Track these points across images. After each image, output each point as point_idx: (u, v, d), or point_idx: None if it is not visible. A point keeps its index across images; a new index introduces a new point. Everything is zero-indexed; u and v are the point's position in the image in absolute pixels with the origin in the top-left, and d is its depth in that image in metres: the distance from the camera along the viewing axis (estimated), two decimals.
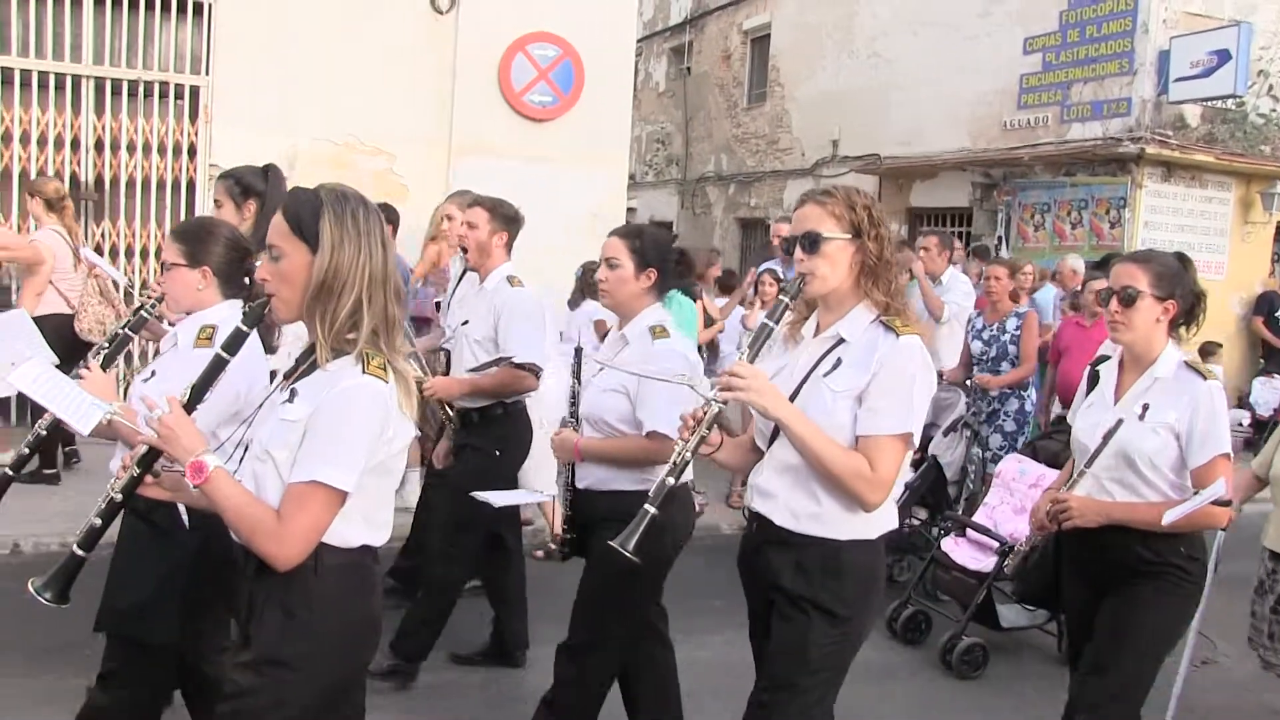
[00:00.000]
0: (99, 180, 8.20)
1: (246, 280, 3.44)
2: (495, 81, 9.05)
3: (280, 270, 2.42)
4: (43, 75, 8.03)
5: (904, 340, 2.73)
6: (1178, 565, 3.32)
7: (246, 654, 2.48)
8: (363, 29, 8.57)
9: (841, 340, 2.80)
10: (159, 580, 3.20)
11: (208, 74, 8.39)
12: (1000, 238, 13.49)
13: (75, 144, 8.13)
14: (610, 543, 2.75)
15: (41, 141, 8.03)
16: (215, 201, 4.37)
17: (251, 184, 4.35)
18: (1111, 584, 3.39)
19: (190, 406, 2.51)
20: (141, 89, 8.31)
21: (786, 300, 2.81)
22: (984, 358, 6.99)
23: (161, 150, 8.32)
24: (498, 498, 4.17)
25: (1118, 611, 3.35)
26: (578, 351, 3.97)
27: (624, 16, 9.67)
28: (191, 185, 8.39)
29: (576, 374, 3.89)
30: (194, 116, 8.41)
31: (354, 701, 2.65)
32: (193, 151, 8.39)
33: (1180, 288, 3.34)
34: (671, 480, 2.79)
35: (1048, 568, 3.73)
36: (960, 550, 5.64)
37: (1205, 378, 3.29)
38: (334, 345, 2.44)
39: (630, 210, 16.81)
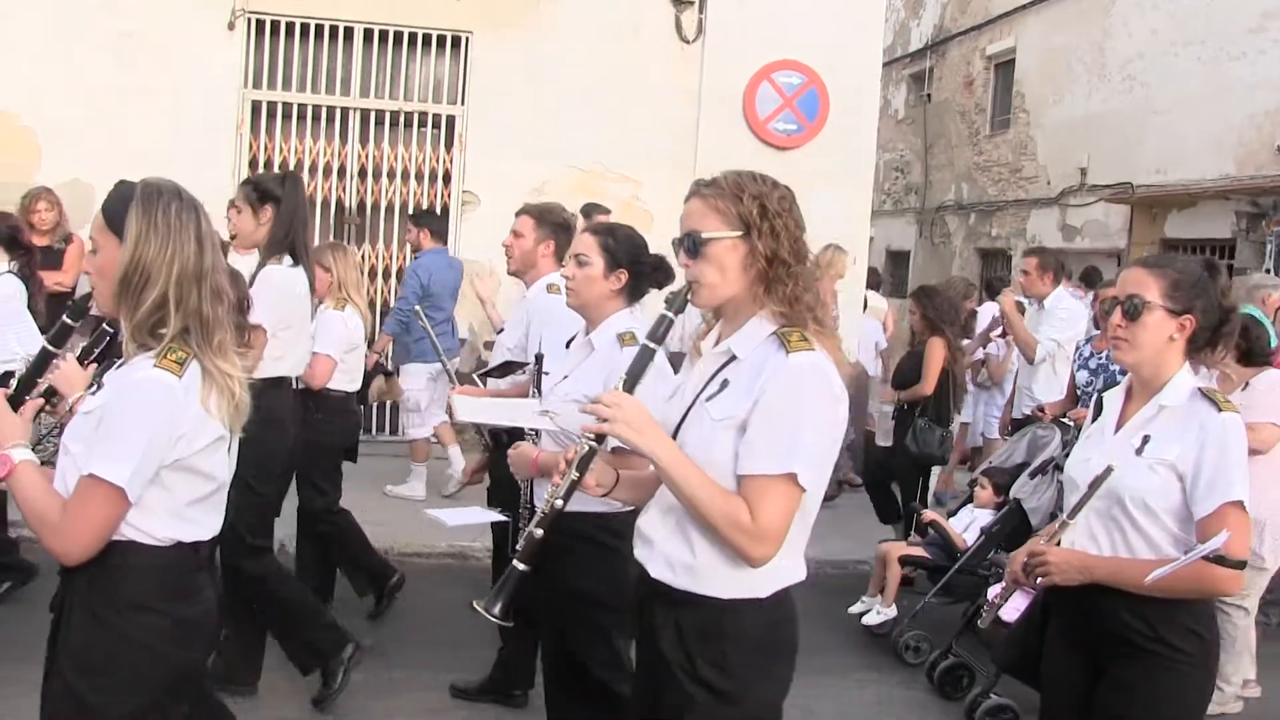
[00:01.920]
0: (361, 205, 8.83)
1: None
2: (740, 109, 9.21)
3: (96, 263, 2.47)
4: (315, 108, 8.72)
5: (794, 359, 2.26)
6: (1173, 644, 2.69)
7: (59, 660, 2.45)
8: (610, 59, 8.91)
9: (733, 358, 2.37)
10: None
11: (463, 104, 8.90)
12: (1268, 270, 12.67)
13: (342, 171, 8.79)
14: (474, 604, 2.48)
15: (312, 169, 8.70)
16: (235, 208, 4.58)
17: (269, 190, 4.54)
18: (1103, 659, 2.82)
19: (15, 400, 2.58)
20: (402, 119, 8.90)
21: (669, 315, 2.40)
22: (1090, 389, 6.18)
23: (419, 177, 8.89)
24: (451, 516, 4.04)
25: (1106, 701, 2.79)
26: (538, 359, 3.83)
27: (869, 43, 9.66)
28: (446, 210, 8.89)
29: (536, 384, 3.76)
30: (449, 144, 8.93)
31: (180, 710, 2.53)
32: (447, 178, 8.92)
33: (1202, 300, 2.78)
34: (540, 532, 2.43)
35: (1032, 633, 3.17)
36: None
37: (1221, 408, 2.72)
38: (138, 340, 2.42)
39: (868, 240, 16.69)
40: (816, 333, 2.33)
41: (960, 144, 19.55)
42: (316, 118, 8.73)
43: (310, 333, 4.99)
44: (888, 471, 7.44)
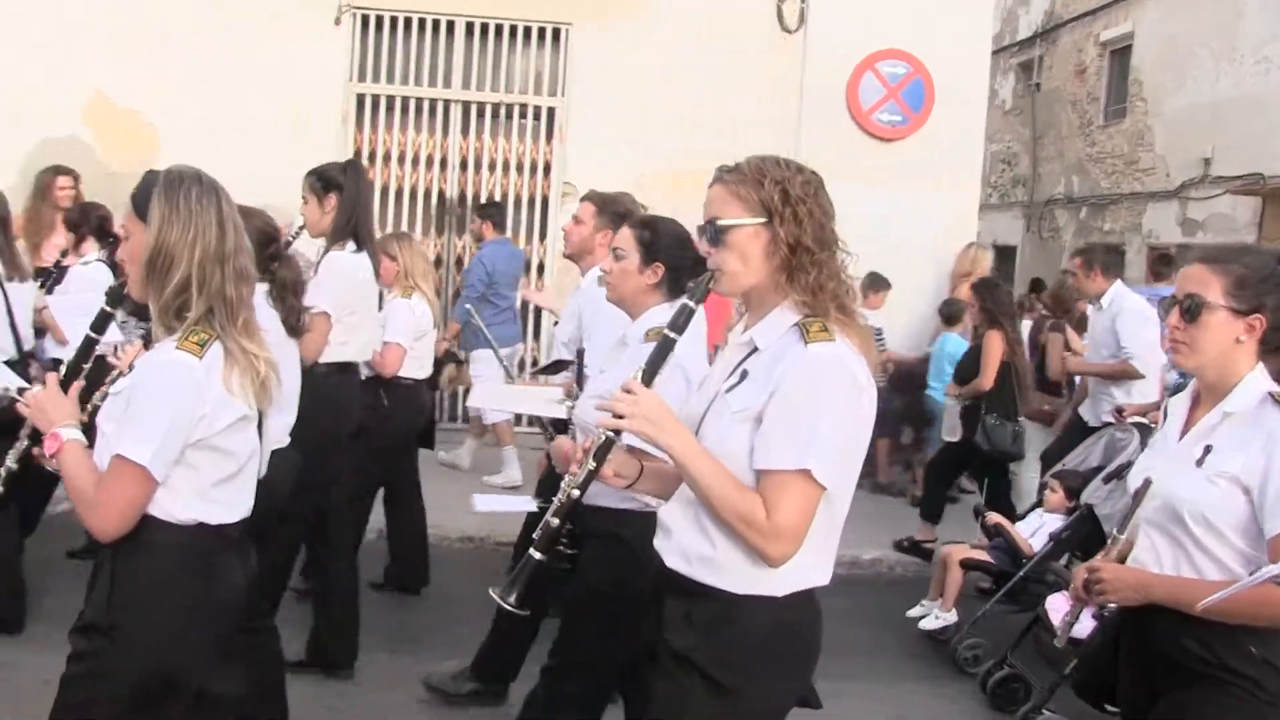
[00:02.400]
0: (462, 196, 8.97)
1: (275, 265, 3.71)
2: (843, 100, 9.12)
3: (127, 249, 2.56)
4: (418, 101, 8.89)
5: (812, 350, 2.19)
6: (1240, 672, 2.46)
7: (81, 619, 2.55)
8: (710, 50, 8.90)
9: (756, 349, 2.32)
10: None
11: (563, 96, 8.98)
12: None
13: (444, 163, 8.96)
14: (491, 591, 2.48)
15: (414, 161, 8.89)
16: (302, 198, 4.69)
17: (332, 178, 4.65)
18: (1158, 683, 2.62)
19: (64, 384, 2.65)
20: (503, 111, 9.01)
21: (690, 304, 2.36)
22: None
23: (520, 168, 9.01)
24: (485, 502, 3.97)
25: None
26: (579, 353, 3.81)
27: (978, 30, 9.49)
28: (545, 202, 9.00)
29: (578, 379, 3.72)
30: (549, 136, 9.02)
31: (188, 695, 2.57)
32: (548, 169, 9.01)
33: (1274, 297, 2.55)
34: (555, 522, 2.41)
35: (1105, 654, 2.93)
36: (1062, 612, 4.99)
37: None
38: (165, 323, 2.51)
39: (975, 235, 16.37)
40: (841, 323, 2.25)
41: (1071, 134, 19.07)
42: (419, 110, 8.90)
43: (377, 319, 5.08)
44: (950, 467, 7.34)
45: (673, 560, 2.36)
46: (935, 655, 5.64)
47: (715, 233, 2.29)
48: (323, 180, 4.66)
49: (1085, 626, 3.93)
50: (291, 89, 8.58)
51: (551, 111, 9.03)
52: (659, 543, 2.43)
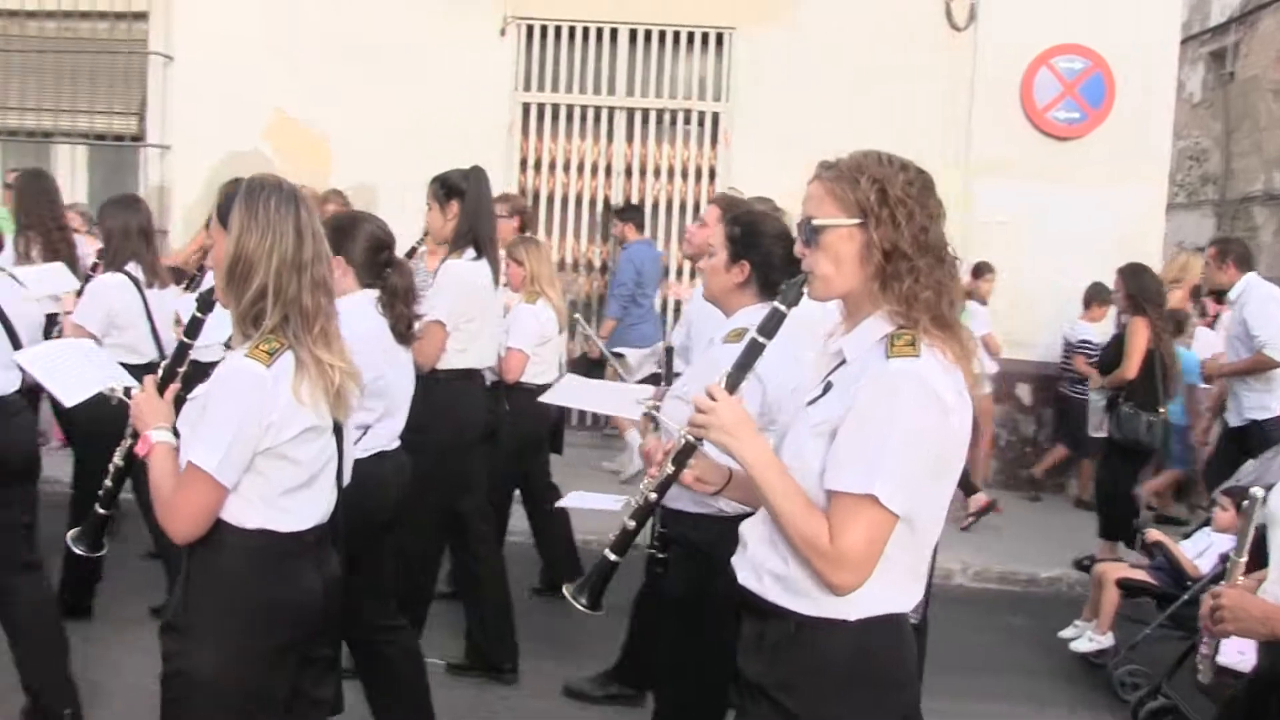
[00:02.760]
0: (627, 203, 9.01)
1: (388, 272, 3.68)
2: (1016, 98, 8.81)
3: (214, 258, 2.58)
4: (583, 109, 8.98)
5: (892, 365, 2.03)
6: None
7: (164, 618, 2.63)
8: (876, 50, 8.74)
9: (844, 360, 2.18)
10: None
11: (726, 101, 8.94)
12: None
13: (608, 170, 9.03)
14: (565, 588, 2.45)
15: (580, 168, 8.99)
16: (426, 204, 4.69)
17: (454, 185, 4.64)
18: None
19: (162, 386, 2.71)
20: (666, 117, 9.03)
21: (782, 308, 2.21)
22: None
23: (684, 174, 9.01)
24: (573, 500, 3.86)
25: None
26: (667, 351, 3.70)
27: (1165, 21, 9.02)
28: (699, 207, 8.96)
29: (666, 377, 3.60)
30: (713, 142, 8.99)
31: (270, 696, 2.58)
32: (713, 174, 8.98)
33: None
34: (632, 524, 2.34)
35: (1256, 692, 2.70)
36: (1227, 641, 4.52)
37: None
38: (242, 330, 2.51)
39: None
40: (936, 336, 2.08)
41: (1271, 126, 17.96)
42: (584, 117, 9.00)
43: (500, 326, 5.07)
44: (1110, 471, 6.96)
45: (745, 576, 2.26)
46: (1089, 680, 5.42)
47: (809, 232, 2.16)
48: (445, 187, 4.69)
49: (1234, 655, 3.53)
50: (458, 100, 8.79)
51: (715, 116, 9.00)
52: (736, 558, 2.32)
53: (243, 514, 2.52)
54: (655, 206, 9.02)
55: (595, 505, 4.04)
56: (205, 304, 2.84)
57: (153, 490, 2.56)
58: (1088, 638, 5.54)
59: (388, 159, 8.78)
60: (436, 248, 5.12)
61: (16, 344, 3.90)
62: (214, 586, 2.55)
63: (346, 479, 2.79)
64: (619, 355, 7.54)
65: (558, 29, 9.01)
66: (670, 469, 2.29)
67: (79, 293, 5.23)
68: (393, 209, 8.26)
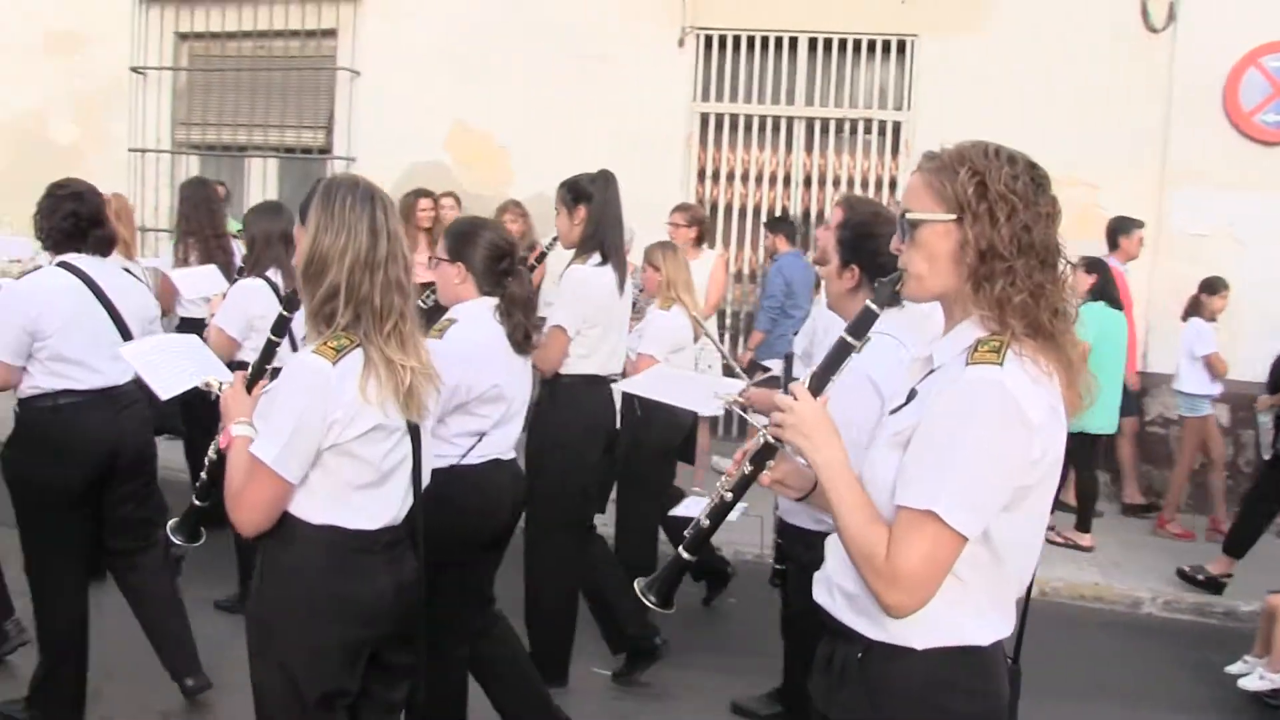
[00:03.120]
0: (806, 213, 8.92)
1: (507, 280, 3.67)
2: (1218, 101, 8.39)
3: (296, 256, 2.67)
4: (761, 119, 8.93)
5: (969, 373, 1.88)
6: None
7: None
8: (1066, 55, 8.45)
9: (934, 368, 2.04)
10: None
11: (909, 109, 8.77)
12: None
13: (787, 180, 8.95)
14: (635, 584, 2.34)
15: (758, 179, 8.94)
16: (555, 209, 4.71)
17: (583, 189, 4.65)
18: None
19: (251, 383, 2.78)
20: (846, 126, 8.91)
21: (874, 308, 2.07)
22: None
23: (864, 185, 8.85)
24: (688, 506, 3.69)
25: None
26: (787, 358, 3.66)
27: None
28: None
29: (784, 384, 3.42)
30: (894, 152, 8.82)
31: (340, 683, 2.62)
32: (893, 185, 8.80)
33: None
34: (707, 523, 2.25)
35: None
36: None
37: None
38: (315, 327, 2.56)
39: None
40: (1032, 346, 1.92)
41: None
42: (763, 128, 8.95)
43: (626, 331, 5.03)
44: (1262, 494, 6.61)
45: (819, 592, 2.16)
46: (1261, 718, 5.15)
47: (905, 227, 2.02)
48: (573, 192, 4.71)
49: None
50: (637, 110, 8.84)
51: (897, 126, 8.84)
52: (817, 573, 2.19)
53: (311, 509, 2.56)
54: (782, 215, 8.87)
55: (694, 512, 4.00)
56: (290, 303, 2.88)
57: (225, 481, 2.61)
58: (1258, 675, 5.21)
59: (567, 170, 8.81)
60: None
61: (127, 336, 4.04)
62: (283, 580, 2.61)
63: (425, 480, 2.79)
64: (763, 367, 7.45)
65: (736, 39, 8.98)
66: (748, 468, 2.19)
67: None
68: None
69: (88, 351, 3.94)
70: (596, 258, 4.60)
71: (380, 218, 2.59)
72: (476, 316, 3.61)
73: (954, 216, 1.95)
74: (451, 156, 9.22)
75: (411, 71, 9.40)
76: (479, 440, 3.62)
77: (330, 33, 9.71)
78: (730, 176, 9.00)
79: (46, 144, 10.68)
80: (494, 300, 3.66)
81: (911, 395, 2.05)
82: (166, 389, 3.38)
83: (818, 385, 2.09)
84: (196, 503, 3.13)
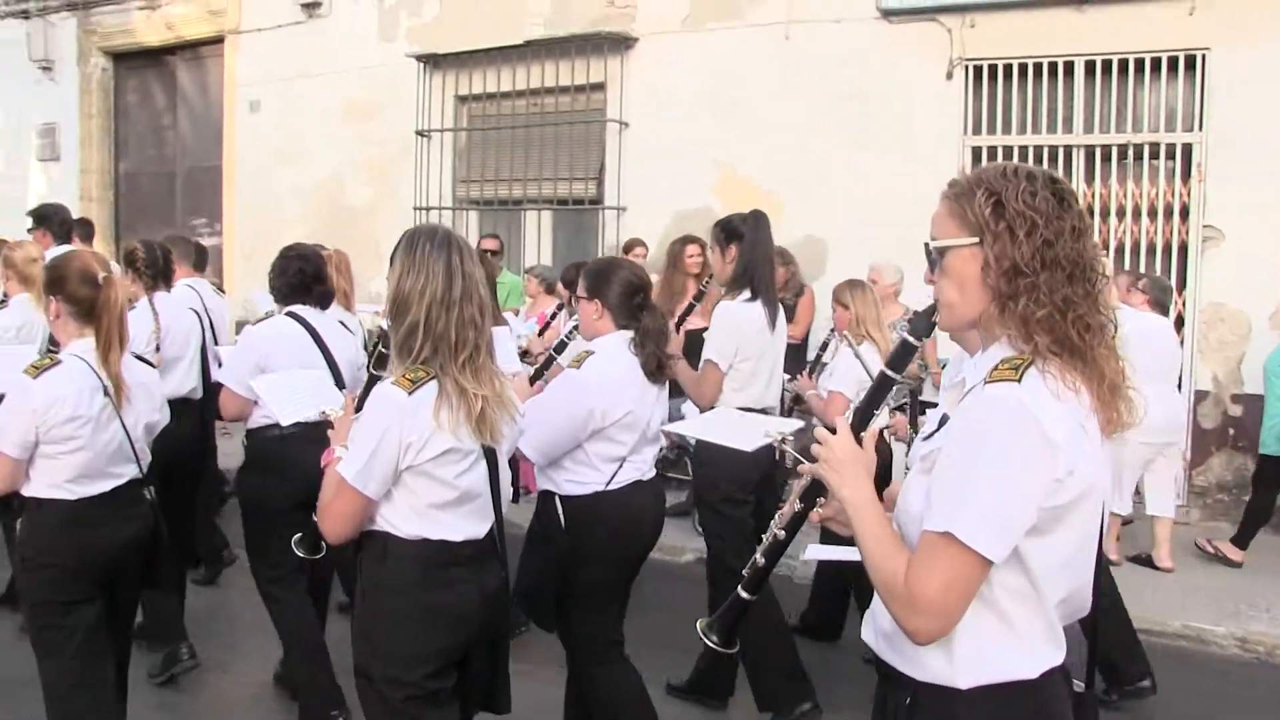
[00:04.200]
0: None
1: (642, 314, 3.91)
2: None
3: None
4: (1037, 149, 8.60)
5: (987, 391, 1.85)
6: None
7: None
8: None
9: (967, 391, 1.97)
10: (537, 574, 3.84)
11: (1200, 130, 8.22)
12: None
13: None
14: (698, 624, 2.40)
15: None
16: (709, 247, 4.87)
17: (734, 229, 4.80)
18: None
19: (358, 410, 3.02)
20: (1130, 152, 8.44)
21: (912, 340, 2.09)
22: None
23: (1152, 213, 8.36)
24: (816, 550, 3.41)
25: None
26: (911, 394, 3.47)
27: None
28: (1184, 248, 8.27)
29: (911, 420, 3.49)
30: (1185, 176, 8.30)
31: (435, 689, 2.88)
32: (1185, 213, 8.28)
33: None
34: (762, 561, 2.28)
35: None
36: None
37: None
38: (400, 359, 2.87)
39: None
40: (1057, 362, 1.89)
41: None
42: (1039, 158, 8.58)
43: (780, 364, 5.08)
44: None
45: (866, 631, 2.15)
46: None
47: (931, 256, 2.03)
48: (726, 230, 4.87)
49: None
50: (905, 147, 8.70)
51: (1188, 148, 8.29)
52: (866, 613, 2.17)
53: (400, 523, 2.87)
54: (1120, 249, 8.42)
55: (842, 556, 3.89)
56: (385, 339, 3.09)
57: (320, 495, 2.96)
58: None
59: (835, 211, 8.87)
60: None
61: (339, 378, 4.65)
62: (379, 589, 2.91)
63: (507, 500, 3.09)
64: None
65: (1007, 67, 8.69)
66: (798, 506, 2.21)
67: None
68: (843, 261, 8.34)
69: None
70: (746, 293, 4.77)
71: (455, 261, 2.86)
72: (613, 348, 3.89)
73: (975, 239, 1.95)
74: (720, 202, 9.34)
75: (678, 120, 9.63)
76: (620, 465, 3.89)
77: (599, 86, 10.07)
78: None
79: (343, 206, 11.60)
80: (629, 333, 3.92)
81: (943, 421, 2.04)
82: (289, 416, 3.95)
83: (860, 421, 2.13)
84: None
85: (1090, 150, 8.52)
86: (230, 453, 5.42)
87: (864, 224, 8.60)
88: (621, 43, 9.89)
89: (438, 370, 2.83)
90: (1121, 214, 8.41)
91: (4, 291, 6.30)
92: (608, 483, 3.84)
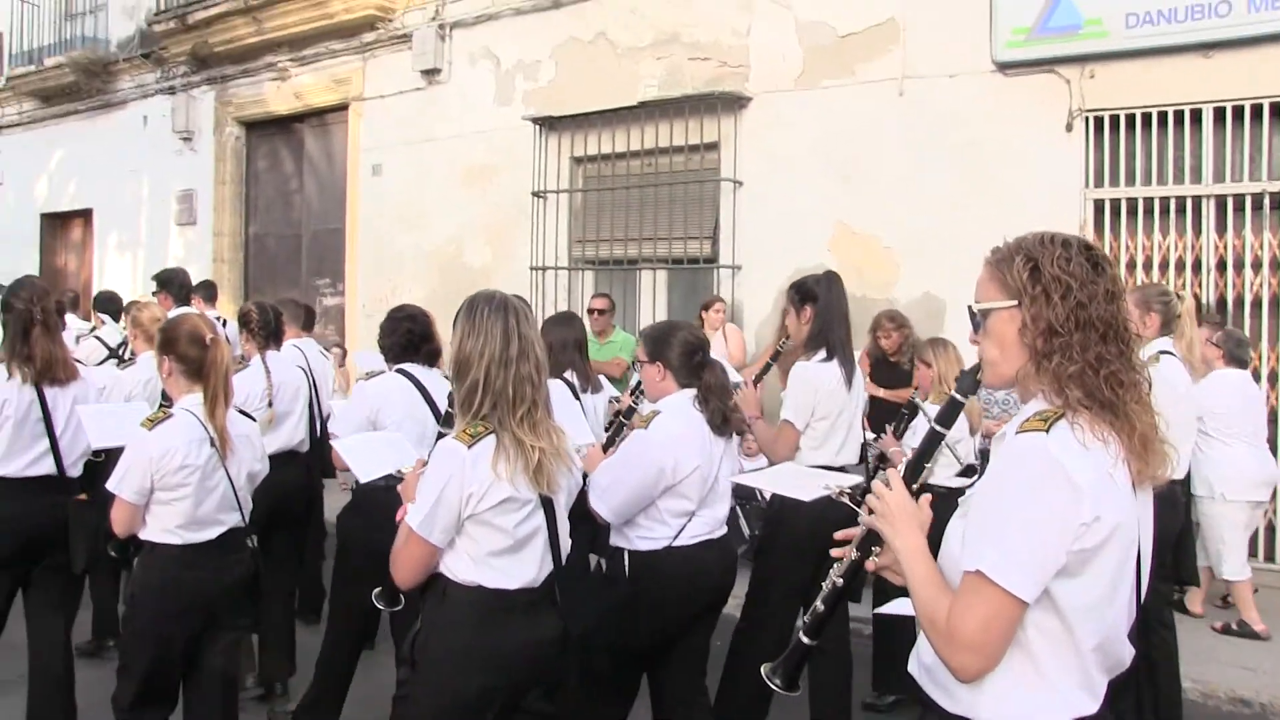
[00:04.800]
0: (1220, 300, 8.21)
1: (703, 372, 4.11)
2: None
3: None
4: (1163, 200, 8.36)
5: (1018, 440, 2.04)
6: None
7: (401, 652, 3.22)
8: None
9: None
10: (599, 616, 3.86)
11: None
12: None
13: (1196, 265, 8.28)
14: (762, 669, 2.52)
15: (1163, 265, 8.34)
16: (784, 309, 5.03)
17: (809, 290, 4.92)
18: None
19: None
20: (1266, 201, 8.14)
21: (959, 398, 2.33)
22: None
23: None
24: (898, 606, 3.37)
25: None
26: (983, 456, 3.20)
27: None
28: None
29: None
30: None
31: None
32: None
33: None
34: (822, 608, 2.41)
35: None
36: None
37: None
38: (463, 414, 3.08)
39: None
40: (1087, 415, 2.04)
41: None
42: (1165, 210, 8.36)
43: (858, 422, 5.13)
44: None
45: (912, 665, 2.30)
46: None
47: (975, 318, 2.23)
48: (800, 292, 4.98)
49: None
50: (1024, 203, 8.54)
51: None
52: (913, 649, 2.31)
53: (461, 569, 3.05)
54: (1257, 303, 8.11)
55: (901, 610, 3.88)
56: (451, 398, 3.32)
57: (394, 545, 3.13)
58: None
59: (953, 267, 8.69)
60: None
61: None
62: (437, 629, 3.08)
63: (565, 549, 3.22)
64: None
65: (1130, 117, 8.48)
66: (855, 554, 2.35)
67: None
68: (961, 317, 8.11)
69: (417, 441, 4.53)
70: (822, 353, 4.87)
71: (512, 323, 3.08)
72: (678, 407, 4.08)
73: (1014, 302, 2.14)
74: (835, 259, 9.29)
75: (792, 178, 9.63)
76: (689, 520, 4.05)
77: (713, 146, 10.14)
78: (1131, 265, 8.44)
79: (462, 266, 11.86)
80: (692, 391, 4.11)
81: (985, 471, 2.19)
82: (366, 474, 4.19)
83: (911, 474, 2.30)
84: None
85: (1221, 200, 8.24)
86: (335, 507, 5.57)
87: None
88: (735, 102, 9.95)
89: (496, 425, 3.03)
90: (1257, 266, 8.10)
91: (132, 350, 6.83)
92: (675, 537, 4.02)
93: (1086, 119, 8.59)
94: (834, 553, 2.45)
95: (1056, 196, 8.52)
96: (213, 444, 3.96)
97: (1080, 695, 2.07)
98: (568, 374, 5.63)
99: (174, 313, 7.69)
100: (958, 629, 2.00)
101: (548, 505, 3.14)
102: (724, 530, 4.23)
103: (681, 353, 4.13)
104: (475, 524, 3.01)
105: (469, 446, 2.98)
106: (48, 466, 4.68)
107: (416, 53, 12.20)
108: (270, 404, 5.90)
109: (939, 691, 2.17)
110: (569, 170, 11.19)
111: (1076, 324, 2.07)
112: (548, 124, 11.11)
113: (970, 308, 2.24)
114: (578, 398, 5.61)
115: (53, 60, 16.55)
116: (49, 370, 4.72)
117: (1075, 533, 1.97)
